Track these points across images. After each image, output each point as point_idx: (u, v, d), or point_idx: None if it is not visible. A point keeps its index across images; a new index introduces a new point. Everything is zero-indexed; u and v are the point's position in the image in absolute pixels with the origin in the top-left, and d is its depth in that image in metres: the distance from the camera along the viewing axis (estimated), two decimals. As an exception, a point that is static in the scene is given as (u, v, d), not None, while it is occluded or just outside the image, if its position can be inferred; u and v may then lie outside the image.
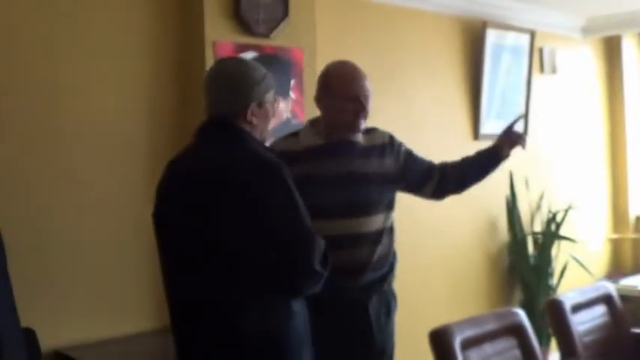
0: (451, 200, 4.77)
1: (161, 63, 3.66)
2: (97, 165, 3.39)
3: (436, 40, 5.12)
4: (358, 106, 2.85)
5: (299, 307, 2.34)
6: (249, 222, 2.22)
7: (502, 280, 5.57)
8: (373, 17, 4.68)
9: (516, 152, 5.40)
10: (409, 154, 3.02)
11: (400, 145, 3.01)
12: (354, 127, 2.88)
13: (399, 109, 4.82)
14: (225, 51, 3.69)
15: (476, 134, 5.36)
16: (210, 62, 3.59)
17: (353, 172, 2.85)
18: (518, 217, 5.58)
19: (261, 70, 2.46)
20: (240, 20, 3.74)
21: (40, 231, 3.26)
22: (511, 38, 5.56)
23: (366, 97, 2.85)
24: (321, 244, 2.32)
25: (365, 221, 2.83)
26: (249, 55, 3.78)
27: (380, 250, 2.88)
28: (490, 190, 5.40)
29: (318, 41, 4.06)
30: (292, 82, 3.91)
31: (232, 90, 2.39)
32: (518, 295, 5.61)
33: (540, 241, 5.67)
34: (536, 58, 5.88)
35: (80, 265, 3.36)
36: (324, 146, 2.89)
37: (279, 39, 3.89)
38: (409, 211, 4.62)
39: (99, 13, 3.48)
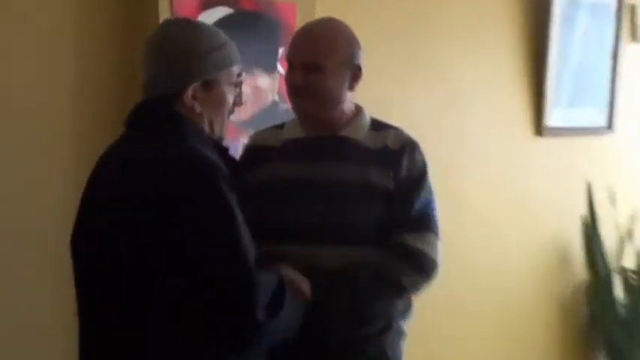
0: (505, 221, 5.02)
1: (94, 22, 3.56)
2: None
3: (483, 2, 5.07)
4: (289, 75, 2.90)
5: None
6: (164, 250, 2.27)
7: (577, 337, 5.52)
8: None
9: (595, 153, 5.63)
10: (412, 188, 2.91)
11: (414, 165, 2.92)
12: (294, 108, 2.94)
13: (432, 95, 4.76)
14: (186, 5, 3.62)
15: (539, 127, 5.34)
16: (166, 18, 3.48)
17: (328, 182, 2.86)
18: (601, 248, 5.52)
19: (215, 37, 2.51)
20: (207, -40, 3.65)
21: None
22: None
23: (301, 63, 2.86)
24: (268, 283, 2.37)
25: (344, 253, 2.82)
26: (218, 13, 3.71)
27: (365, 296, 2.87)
28: (560, 210, 5.45)
29: (317, -5, 4.00)
30: (281, 50, 3.85)
31: (165, 63, 2.45)
32: (600, 358, 5.56)
33: (634, 282, 5.61)
34: (626, 21, 5.86)
35: None
36: (302, 141, 2.95)
37: (261, -11, 3.85)
38: (451, 242, 4.61)
39: None
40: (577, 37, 5.55)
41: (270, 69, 3.85)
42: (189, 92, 2.44)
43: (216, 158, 2.41)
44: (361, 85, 3.97)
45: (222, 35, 2.53)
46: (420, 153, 2.94)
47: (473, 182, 5.00)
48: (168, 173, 2.32)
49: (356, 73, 2.92)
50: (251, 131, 3.37)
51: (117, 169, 2.42)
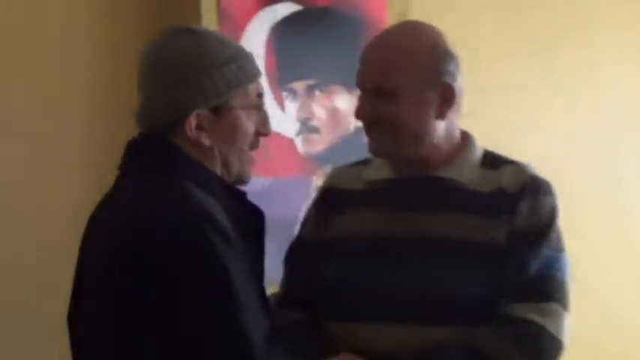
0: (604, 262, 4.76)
1: (122, 28, 3.57)
2: (16, 191, 3.49)
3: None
4: (357, 103, 2.61)
5: None
6: (144, 317, 2.13)
7: None
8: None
9: None
10: (531, 242, 2.56)
11: (537, 211, 2.59)
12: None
13: (567, 120, 4.55)
14: (241, 2, 3.62)
15: None
16: (211, 20, 3.61)
17: (417, 238, 2.55)
18: None
19: (224, 48, 2.31)
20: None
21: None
22: None
23: (370, 88, 2.53)
24: None
25: (438, 334, 2.50)
26: (282, 10, 3.69)
27: None
28: None
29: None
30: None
31: (164, 84, 2.25)
32: None
33: None
34: None
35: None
36: (387, 185, 2.66)
37: (341, -21, 3.78)
38: (599, 292, 4.47)
39: None
40: None
41: (352, 84, 3.51)
42: (193, 121, 2.22)
43: (219, 203, 2.24)
44: (482, 103, 3.98)
45: (233, 44, 2.36)
46: (550, 195, 2.59)
47: (634, 232, 4.75)
48: (144, 228, 2.16)
49: (446, 96, 2.51)
50: (328, 168, 3.21)
51: (100, 222, 2.31)
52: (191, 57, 2.25)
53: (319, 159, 3.55)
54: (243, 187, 2.45)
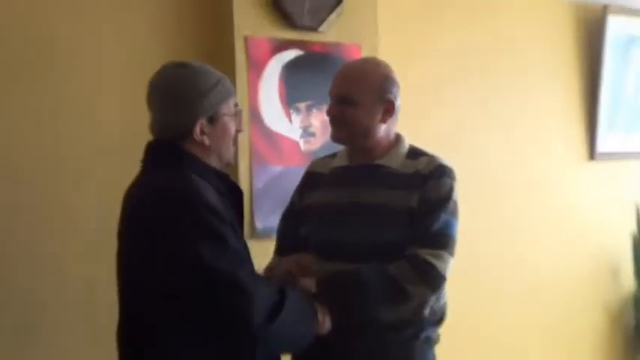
0: (560, 237, 5.06)
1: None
2: (107, 183, 3.41)
3: (537, 32, 5.07)
4: (328, 106, 2.89)
5: None
6: (160, 265, 2.31)
7: (626, 344, 5.47)
8: (453, 3, 4.64)
9: None
10: (434, 209, 2.79)
11: (439, 187, 2.82)
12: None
13: (491, 123, 4.82)
14: (261, 49, 3.75)
15: (592, 152, 5.34)
16: (241, 63, 3.71)
17: (359, 205, 2.84)
18: (648, 262, 5.45)
19: (210, 75, 2.49)
20: (281, 10, 3.79)
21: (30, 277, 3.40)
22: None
23: (336, 96, 2.85)
24: (263, 294, 2.36)
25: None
26: (290, 54, 3.86)
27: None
28: (611, 225, 5.41)
29: (380, 36, 4.07)
30: (347, 87, 3.93)
31: (173, 106, 2.45)
32: (646, 362, 5.49)
33: (678, 293, 5.54)
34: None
35: (67, 311, 3.46)
36: (344, 169, 2.95)
37: (330, 33, 3.93)
38: (503, 247, 4.83)
39: (106, 8, 3.57)
40: (632, 69, 5.52)
41: (337, 104, 3.88)
42: (198, 129, 2.45)
43: (212, 186, 2.42)
44: (429, 116, 4.33)
45: (216, 72, 2.52)
46: (450, 177, 2.83)
47: (530, 202, 5.03)
48: (154, 201, 2.35)
49: (388, 108, 2.84)
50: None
51: (128, 198, 2.47)
52: (192, 84, 2.42)
53: (314, 154, 3.64)
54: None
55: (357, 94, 2.81)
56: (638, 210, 5.47)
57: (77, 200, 3.49)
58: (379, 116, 2.84)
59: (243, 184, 3.65)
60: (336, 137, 2.90)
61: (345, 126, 2.84)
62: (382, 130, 2.87)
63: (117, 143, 3.49)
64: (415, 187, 2.80)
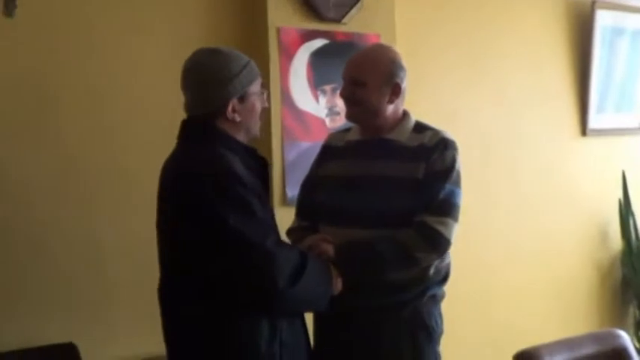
0: (556, 204, 4.92)
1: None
2: (151, 168, 3.29)
3: (535, 23, 4.93)
4: (341, 88, 2.81)
5: (266, 326, 2.31)
6: (192, 233, 2.24)
7: (614, 296, 5.34)
8: (464, 0, 4.53)
9: (629, 149, 5.42)
10: (438, 179, 2.69)
11: (444, 159, 2.71)
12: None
13: (492, 102, 4.68)
14: (291, 38, 3.66)
15: (584, 129, 5.17)
16: (274, 51, 3.62)
17: (369, 176, 2.73)
18: (633, 224, 5.34)
19: (240, 59, 2.41)
20: (309, 4, 3.69)
21: (90, 239, 3.31)
22: (631, 21, 5.34)
23: (349, 79, 2.76)
24: (287, 259, 2.29)
25: (380, 232, 2.65)
26: (317, 43, 3.75)
27: None
28: (600, 193, 5.27)
29: (397, 26, 3.97)
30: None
31: (207, 87, 2.36)
32: (632, 313, 5.37)
33: (660, 250, 5.41)
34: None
35: (128, 276, 3.37)
36: (356, 143, 2.84)
37: (352, 24, 3.83)
38: (506, 214, 4.70)
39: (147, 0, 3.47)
40: (620, 57, 5.36)
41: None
42: (230, 108, 2.37)
43: (240, 159, 2.36)
44: (437, 96, 4.27)
45: (244, 56, 2.45)
46: (452, 149, 2.73)
47: (528, 174, 4.90)
48: (189, 173, 2.30)
49: (395, 90, 2.74)
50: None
51: (166, 172, 2.41)
52: (224, 68, 2.35)
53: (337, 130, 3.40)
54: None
55: (367, 76, 2.71)
56: (624, 179, 5.33)
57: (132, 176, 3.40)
58: (387, 97, 2.74)
59: (276, 158, 3.61)
60: (349, 115, 2.82)
61: (357, 105, 2.75)
62: (390, 109, 2.77)
63: (170, 119, 3.30)
64: (421, 159, 2.70)
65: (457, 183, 2.71)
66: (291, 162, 3.64)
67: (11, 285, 3.12)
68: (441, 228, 2.62)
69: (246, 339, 2.29)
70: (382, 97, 2.73)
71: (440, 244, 2.64)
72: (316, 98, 3.76)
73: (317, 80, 3.76)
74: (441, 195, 2.65)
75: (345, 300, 2.54)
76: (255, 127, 2.49)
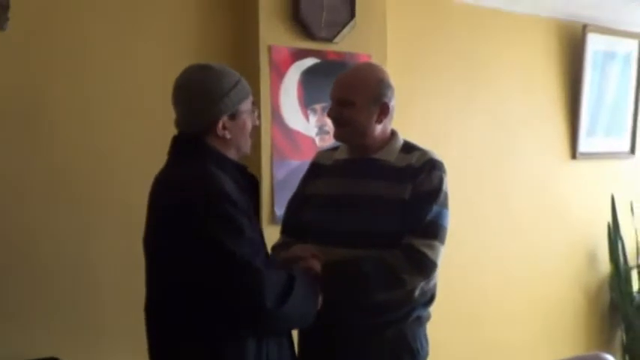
0: (545, 227, 4.91)
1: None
2: (143, 183, 3.28)
3: (527, 46, 4.94)
4: (329, 108, 2.78)
5: (253, 347, 2.29)
6: (180, 252, 2.22)
7: (601, 320, 5.35)
8: (453, 19, 4.53)
9: (619, 173, 5.43)
10: (425, 200, 2.66)
11: (430, 180, 2.68)
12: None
13: (484, 124, 4.70)
14: (282, 57, 3.64)
15: (574, 152, 5.19)
16: (265, 69, 3.59)
17: (356, 195, 2.70)
18: (622, 248, 5.35)
19: (231, 76, 2.39)
20: (300, 23, 3.67)
21: (78, 252, 3.28)
22: (622, 45, 5.38)
23: (336, 99, 2.74)
24: (275, 278, 2.27)
25: (366, 252, 2.62)
26: (308, 62, 3.73)
27: None
28: (589, 216, 5.28)
29: (388, 47, 3.96)
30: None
31: (198, 103, 2.34)
32: (620, 337, 5.38)
33: (648, 276, 5.42)
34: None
35: (115, 290, 3.34)
36: (344, 162, 2.82)
37: (344, 44, 3.81)
38: (495, 236, 4.70)
39: (140, 14, 3.43)
40: (611, 81, 5.40)
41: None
42: (220, 125, 2.35)
43: (230, 177, 2.33)
44: (429, 117, 4.26)
45: (235, 73, 2.43)
46: (439, 170, 2.70)
47: (519, 196, 4.91)
48: (178, 192, 2.27)
49: (383, 110, 2.72)
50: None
51: (154, 189, 2.38)
52: (216, 85, 2.33)
53: None
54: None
55: (354, 97, 2.69)
56: (613, 202, 5.34)
57: (118, 188, 3.38)
58: (375, 117, 2.72)
59: (265, 176, 3.59)
60: (337, 136, 2.80)
61: (345, 125, 2.73)
62: (378, 129, 2.75)
63: (161, 135, 3.27)
64: (407, 180, 2.67)
65: (444, 204, 2.69)
66: (280, 180, 3.62)
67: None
68: (427, 251, 2.60)
69: (233, 359, 2.27)
70: (370, 117, 2.71)
71: (426, 267, 2.62)
72: (306, 117, 3.75)
73: (307, 99, 3.75)
74: (429, 217, 2.63)
75: (329, 319, 2.51)
76: (246, 144, 2.47)
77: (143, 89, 3.42)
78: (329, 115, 2.78)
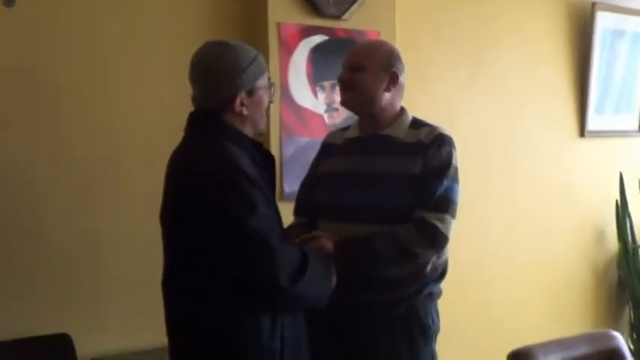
0: (553, 205, 4.91)
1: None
2: (149, 162, 3.27)
3: (536, 24, 4.92)
4: (340, 74, 2.80)
5: (268, 321, 2.29)
6: (197, 228, 2.22)
7: (609, 297, 5.35)
8: (462, -1, 4.50)
9: (628, 151, 5.43)
10: (436, 175, 2.68)
11: (440, 155, 2.70)
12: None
13: (492, 101, 4.68)
14: (291, 34, 3.65)
15: (582, 130, 5.18)
16: (274, 46, 3.61)
17: (367, 172, 2.73)
18: (630, 226, 5.33)
19: (249, 53, 2.39)
20: (309, 0, 3.68)
21: (86, 231, 3.31)
22: (631, 23, 5.35)
23: (348, 64, 2.76)
24: (290, 256, 2.27)
25: (377, 228, 2.64)
26: (316, 39, 3.74)
27: None
28: (597, 194, 5.27)
29: (397, 24, 3.96)
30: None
31: (215, 80, 2.34)
32: (628, 315, 5.38)
33: (655, 252, 5.42)
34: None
35: (123, 269, 3.36)
36: (355, 140, 2.84)
37: (352, 21, 3.82)
38: (502, 214, 4.70)
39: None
40: (620, 59, 5.37)
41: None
42: (238, 101, 2.34)
43: (247, 154, 2.33)
44: (437, 94, 4.27)
45: (252, 49, 2.43)
46: (449, 145, 2.72)
47: (526, 173, 4.90)
48: (196, 168, 2.27)
49: (393, 79, 2.74)
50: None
51: (171, 165, 2.38)
52: (233, 61, 2.33)
53: (337, 127, 3.49)
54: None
55: (366, 61, 2.72)
56: (621, 180, 5.33)
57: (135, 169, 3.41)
58: (384, 84, 2.73)
59: (274, 153, 3.39)
60: (344, 101, 2.81)
61: (353, 90, 2.73)
62: (387, 98, 2.76)
63: (168, 115, 3.31)
64: (417, 155, 2.69)
65: (455, 179, 2.70)
66: (289, 157, 3.64)
67: (6, 276, 3.11)
68: (439, 224, 2.61)
69: (248, 334, 2.27)
70: (379, 84, 2.72)
71: (438, 240, 2.63)
72: (315, 94, 3.76)
73: (316, 76, 3.75)
74: (439, 191, 2.65)
75: (341, 296, 2.51)
76: (262, 121, 2.46)
77: (151, 68, 3.43)
78: (339, 79, 2.79)
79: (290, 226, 2.85)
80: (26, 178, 3.16)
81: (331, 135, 3.01)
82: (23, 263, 3.15)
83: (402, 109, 2.84)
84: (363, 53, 2.76)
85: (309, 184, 2.91)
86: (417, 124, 2.80)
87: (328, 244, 2.57)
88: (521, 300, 4.79)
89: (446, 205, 2.65)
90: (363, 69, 2.71)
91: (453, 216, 2.67)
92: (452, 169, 2.70)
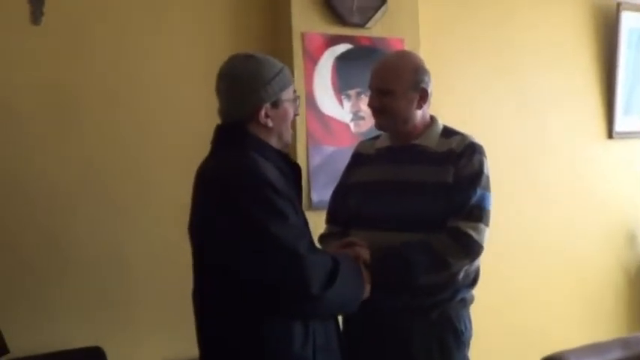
0: (582, 208, 4.90)
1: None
2: (177, 173, 3.33)
3: (561, 26, 4.91)
4: (369, 99, 2.82)
5: (300, 329, 2.30)
6: (226, 238, 2.24)
7: None
8: (486, 2, 4.52)
9: None
10: (469, 184, 2.70)
11: (472, 164, 2.73)
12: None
13: (517, 105, 4.67)
14: (315, 44, 3.68)
15: (610, 132, 5.14)
16: (298, 56, 3.65)
17: (399, 181, 2.76)
18: (661, 228, 5.29)
19: (274, 65, 2.41)
20: (332, 9, 3.71)
21: (115, 243, 3.34)
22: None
23: (376, 89, 2.77)
24: (320, 263, 2.28)
25: (410, 236, 2.67)
26: (341, 48, 3.77)
27: None
28: (627, 196, 5.23)
29: (420, 30, 3.98)
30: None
31: (240, 92, 2.36)
32: (659, 318, 5.34)
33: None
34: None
35: (153, 281, 3.40)
36: (386, 150, 2.86)
37: (376, 29, 3.84)
38: (531, 218, 4.67)
39: (174, 6, 3.50)
40: None
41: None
42: (263, 113, 2.36)
43: (273, 164, 2.35)
44: (463, 101, 4.25)
45: (278, 62, 2.44)
46: (480, 154, 2.75)
47: (554, 177, 4.87)
48: (224, 180, 2.28)
49: (423, 95, 2.76)
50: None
51: (198, 177, 2.39)
52: (258, 74, 2.34)
53: (363, 135, 3.56)
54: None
55: (394, 86, 2.73)
56: (651, 182, 5.29)
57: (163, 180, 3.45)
58: (415, 103, 2.76)
59: (301, 163, 3.55)
60: (379, 125, 2.84)
61: (386, 115, 2.77)
62: (419, 115, 2.80)
63: (195, 126, 3.34)
64: (449, 164, 2.71)
65: (487, 187, 2.73)
66: (315, 166, 3.66)
67: (38, 290, 3.15)
68: (473, 233, 2.64)
69: (280, 342, 2.28)
70: (411, 104, 2.75)
71: (473, 250, 2.66)
72: (341, 103, 3.78)
73: (341, 85, 3.77)
74: (473, 200, 2.67)
75: (375, 302, 2.53)
76: (288, 133, 2.48)
77: (178, 80, 3.49)
78: (370, 106, 2.81)
79: (322, 235, 2.90)
80: (53, 190, 3.20)
81: (362, 145, 3.02)
82: (54, 276, 3.18)
83: (433, 119, 2.86)
84: (389, 75, 2.75)
85: (341, 193, 2.94)
86: (448, 132, 2.82)
87: (365, 254, 2.57)
88: (553, 305, 4.77)
89: (479, 214, 2.68)
90: (392, 94, 2.73)
91: (487, 224, 2.69)
92: (484, 177, 2.73)
